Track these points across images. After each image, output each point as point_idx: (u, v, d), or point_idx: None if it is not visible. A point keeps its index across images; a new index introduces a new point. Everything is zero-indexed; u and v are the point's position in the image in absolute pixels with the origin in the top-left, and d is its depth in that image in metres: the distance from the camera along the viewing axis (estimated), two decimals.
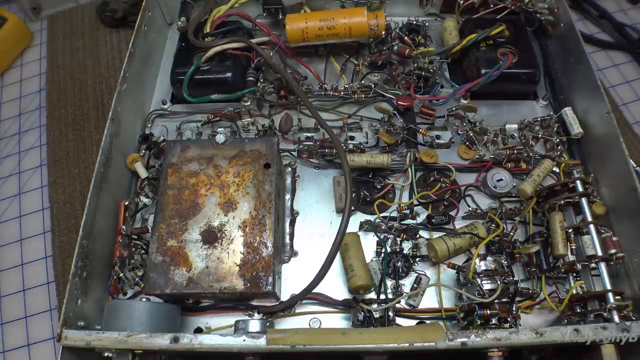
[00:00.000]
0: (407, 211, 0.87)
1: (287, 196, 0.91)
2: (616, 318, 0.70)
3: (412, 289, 0.82)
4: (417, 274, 0.83)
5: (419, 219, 0.88)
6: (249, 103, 0.97)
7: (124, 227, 0.85)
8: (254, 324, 0.73)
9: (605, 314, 0.72)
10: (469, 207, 0.89)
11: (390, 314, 0.76)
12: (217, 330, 0.79)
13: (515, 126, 0.97)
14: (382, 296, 0.79)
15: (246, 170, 0.82)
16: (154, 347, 0.66)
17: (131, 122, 0.97)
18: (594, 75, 0.91)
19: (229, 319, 0.79)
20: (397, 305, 0.79)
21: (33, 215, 1.10)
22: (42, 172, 1.15)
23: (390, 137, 0.92)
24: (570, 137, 0.94)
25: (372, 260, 0.84)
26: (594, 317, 0.74)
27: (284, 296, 0.81)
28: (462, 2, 1.09)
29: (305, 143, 0.94)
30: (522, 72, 0.98)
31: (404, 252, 0.84)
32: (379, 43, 1.03)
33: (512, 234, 0.85)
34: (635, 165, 0.86)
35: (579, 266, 0.78)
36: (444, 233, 0.85)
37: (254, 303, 0.80)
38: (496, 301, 0.72)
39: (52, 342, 0.96)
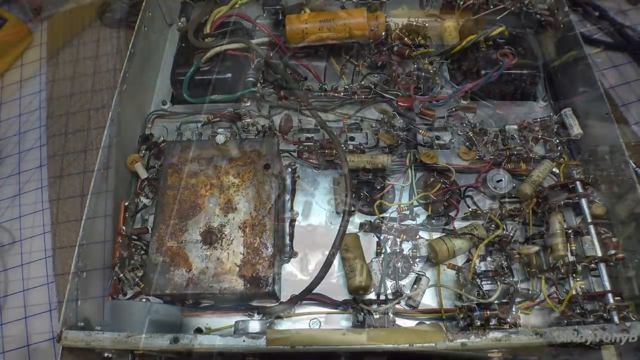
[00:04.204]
0: (407, 212, 0.87)
1: (287, 196, 0.91)
2: (616, 319, 0.70)
3: (412, 289, 0.82)
4: (417, 275, 0.83)
5: (419, 220, 0.88)
6: (249, 104, 0.97)
7: (124, 227, 0.85)
8: (254, 325, 0.73)
9: (605, 314, 0.72)
10: (469, 207, 0.89)
11: (390, 314, 0.76)
12: (217, 330, 0.79)
13: (515, 127, 0.97)
14: (382, 297, 0.79)
15: (246, 171, 0.82)
16: (154, 347, 0.67)
17: (131, 122, 0.97)
18: (594, 75, 0.91)
19: (229, 320, 0.79)
20: (397, 306, 0.79)
21: (33, 216, 1.10)
22: (42, 172, 1.15)
23: (390, 138, 0.92)
24: (570, 138, 0.94)
25: (372, 261, 0.84)
26: (594, 317, 0.74)
27: (284, 296, 0.81)
28: (462, 2, 1.09)
29: (305, 143, 0.94)
30: (522, 72, 0.98)
31: (404, 252, 0.84)
32: (379, 44, 1.03)
33: (511, 234, 0.85)
34: (635, 166, 0.86)
35: (578, 267, 0.78)
36: (444, 234, 0.85)
37: (254, 303, 0.80)
38: (496, 302, 0.72)
39: (52, 342, 0.96)
